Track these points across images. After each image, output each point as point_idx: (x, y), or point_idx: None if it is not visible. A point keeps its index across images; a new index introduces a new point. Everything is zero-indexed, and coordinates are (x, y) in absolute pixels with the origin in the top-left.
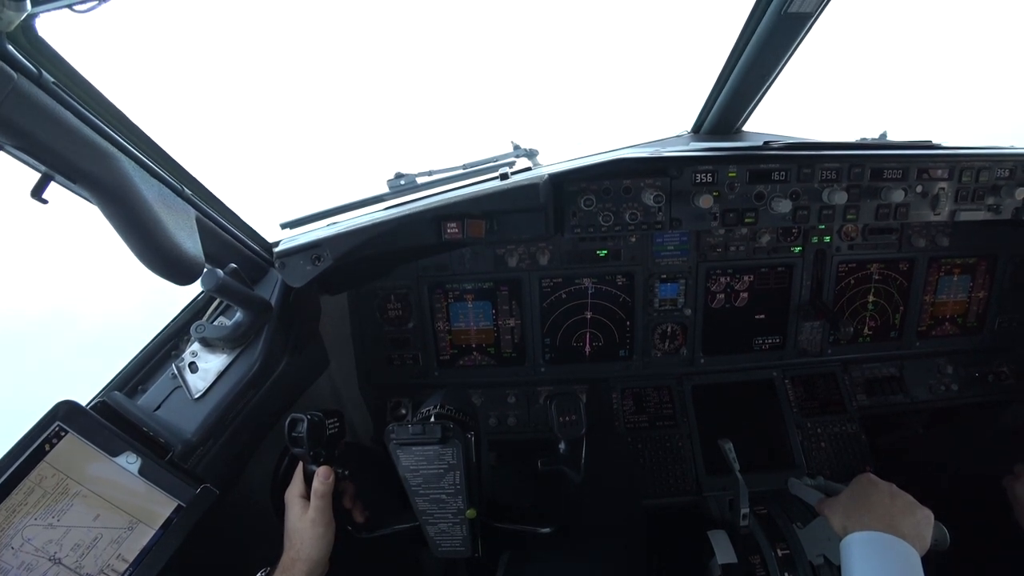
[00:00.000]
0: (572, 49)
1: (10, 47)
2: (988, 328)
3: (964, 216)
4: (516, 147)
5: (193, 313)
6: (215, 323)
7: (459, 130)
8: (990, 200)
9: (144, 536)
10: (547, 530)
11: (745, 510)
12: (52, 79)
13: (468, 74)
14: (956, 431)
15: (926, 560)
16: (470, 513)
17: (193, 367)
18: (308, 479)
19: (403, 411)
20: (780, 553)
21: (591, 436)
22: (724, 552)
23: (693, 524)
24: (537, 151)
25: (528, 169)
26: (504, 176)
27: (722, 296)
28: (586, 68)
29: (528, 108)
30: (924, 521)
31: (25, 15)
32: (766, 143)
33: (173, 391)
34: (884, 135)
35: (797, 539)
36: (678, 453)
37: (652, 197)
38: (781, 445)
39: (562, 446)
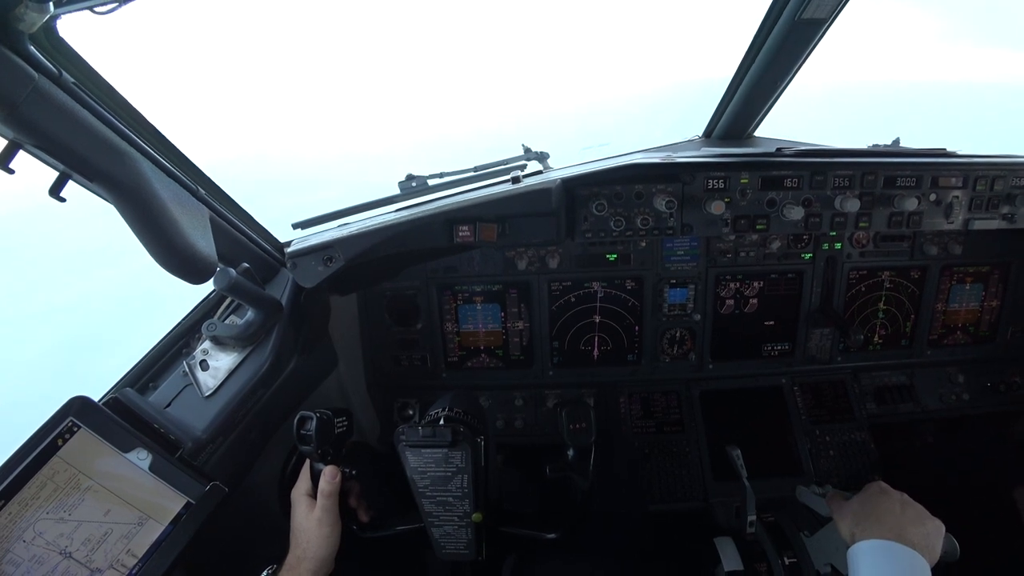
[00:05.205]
0: (585, 54)
1: (32, 48)
2: (1000, 338)
3: (978, 225)
4: (527, 150)
5: (204, 312)
6: (226, 322)
7: (470, 132)
8: (1004, 209)
9: (154, 532)
10: (552, 536)
11: (752, 517)
12: (72, 79)
13: (479, 77)
14: (967, 441)
15: (935, 572)
16: (476, 517)
17: (204, 365)
18: (315, 478)
19: (410, 412)
20: (787, 561)
21: (598, 441)
22: (730, 559)
23: (699, 530)
24: (548, 154)
25: (539, 172)
26: (516, 180)
27: (731, 302)
28: (598, 72)
29: (538, 111)
30: (935, 532)
31: (48, 17)
32: (779, 149)
33: (184, 388)
34: (897, 141)
35: (804, 548)
36: (685, 459)
37: (664, 203)
38: (789, 452)
39: (570, 453)
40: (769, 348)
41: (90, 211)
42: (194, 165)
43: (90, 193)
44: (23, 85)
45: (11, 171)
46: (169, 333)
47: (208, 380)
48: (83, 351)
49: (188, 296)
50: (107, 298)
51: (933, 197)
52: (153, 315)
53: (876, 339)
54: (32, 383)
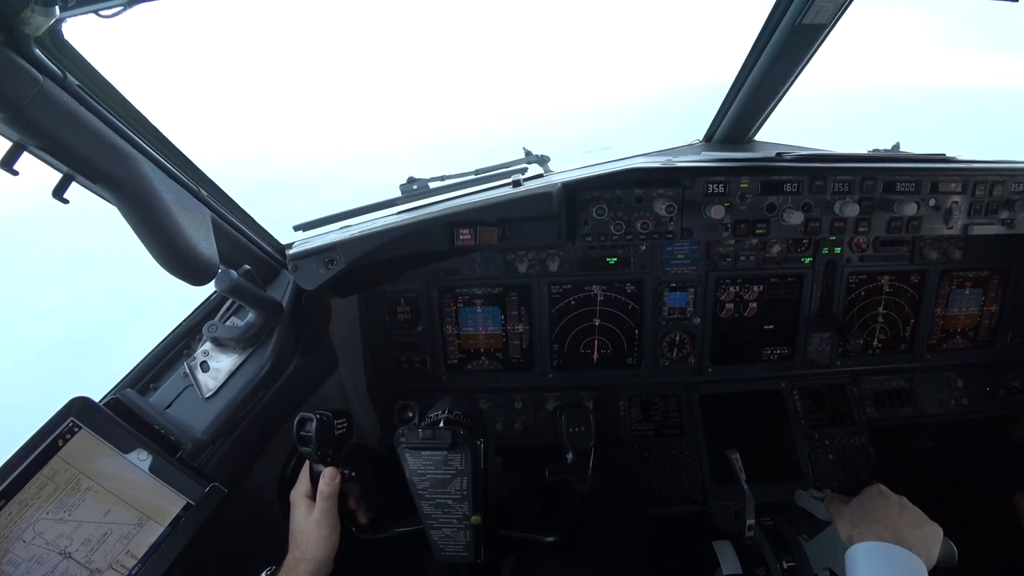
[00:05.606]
0: (586, 57)
1: (37, 51)
2: (1000, 342)
3: (977, 230)
4: (528, 153)
5: (205, 313)
6: (227, 323)
7: (471, 133)
8: (1004, 214)
9: (153, 533)
10: (551, 539)
11: (751, 521)
12: (76, 82)
13: (482, 79)
14: (966, 446)
15: None
16: (475, 519)
17: (204, 366)
18: (314, 479)
19: (410, 414)
20: (786, 565)
21: (597, 444)
22: (729, 563)
23: (698, 534)
24: (548, 158)
25: (539, 176)
26: (517, 183)
27: (731, 305)
28: (600, 75)
29: (540, 113)
30: (932, 536)
31: (54, 20)
32: (779, 154)
33: (184, 390)
34: (897, 146)
35: (803, 552)
36: (684, 462)
37: (664, 207)
38: (788, 456)
39: (570, 456)
40: (769, 352)
41: (92, 212)
42: (196, 167)
43: (92, 194)
44: (28, 88)
45: (15, 172)
46: (170, 334)
47: (209, 381)
48: (80, 353)
49: (189, 298)
50: (107, 298)
51: (932, 202)
52: (153, 317)
53: (875, 343)
54: (29, 384)
